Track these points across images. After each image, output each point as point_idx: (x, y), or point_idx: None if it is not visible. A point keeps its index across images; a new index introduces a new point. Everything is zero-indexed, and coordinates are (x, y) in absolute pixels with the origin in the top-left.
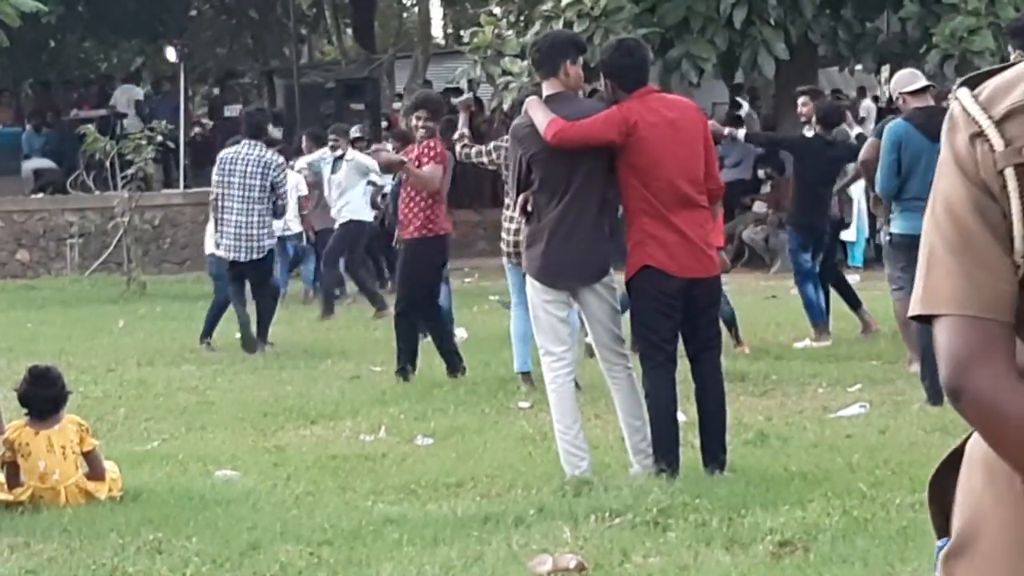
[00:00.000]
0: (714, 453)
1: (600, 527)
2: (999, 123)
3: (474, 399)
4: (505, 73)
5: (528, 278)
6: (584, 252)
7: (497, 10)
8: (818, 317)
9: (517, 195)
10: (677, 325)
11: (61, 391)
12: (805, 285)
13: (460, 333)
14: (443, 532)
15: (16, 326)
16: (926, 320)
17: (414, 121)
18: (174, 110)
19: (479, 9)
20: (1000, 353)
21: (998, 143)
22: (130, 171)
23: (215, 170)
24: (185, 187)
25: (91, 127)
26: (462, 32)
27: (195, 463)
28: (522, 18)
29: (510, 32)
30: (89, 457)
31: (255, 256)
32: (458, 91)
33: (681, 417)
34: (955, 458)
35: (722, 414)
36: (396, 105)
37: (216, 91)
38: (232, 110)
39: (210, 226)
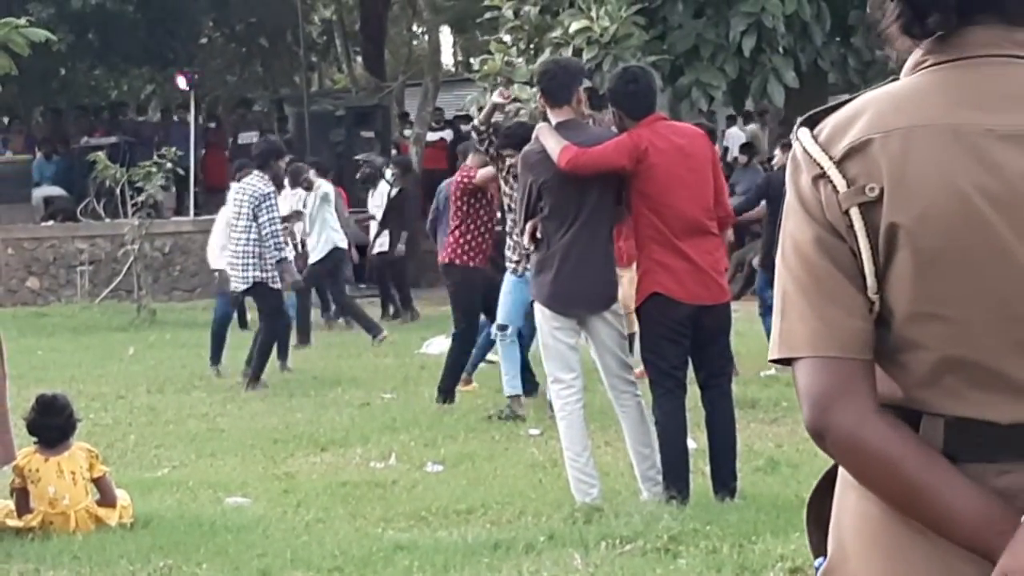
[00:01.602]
0: (724, 480)
1: (611, 554)
2: (839, 163)
3: (484, 426)
4: (515, 100)
5: (537, 305)
6: (593, 280)
7: (507, 38)
8: None
9: (526, 222)
10: (686, 351)
11: (69, 420)
12: (767, 318)
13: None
14: (453, 559)
15: (26, 353)
16: (786, 363)
17: None
18: (185, 138)
19: (488, 36)
20: (859, 391)
21: (840, 184)
22: (140, 198)
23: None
24: (196, 214)
25: (101, 154)
26: (472, 59)
27: (205, 490)
28: (531, 46)
29: (520, 59)
30: (100, 484)
31: (240, 286)
32: (467, 118)
33: (691, 444)
34: (832, 477)
35: (732, 441)
36: (407, 132)
37: (211, 123)
38: (245, 137)
39: (212, 240)
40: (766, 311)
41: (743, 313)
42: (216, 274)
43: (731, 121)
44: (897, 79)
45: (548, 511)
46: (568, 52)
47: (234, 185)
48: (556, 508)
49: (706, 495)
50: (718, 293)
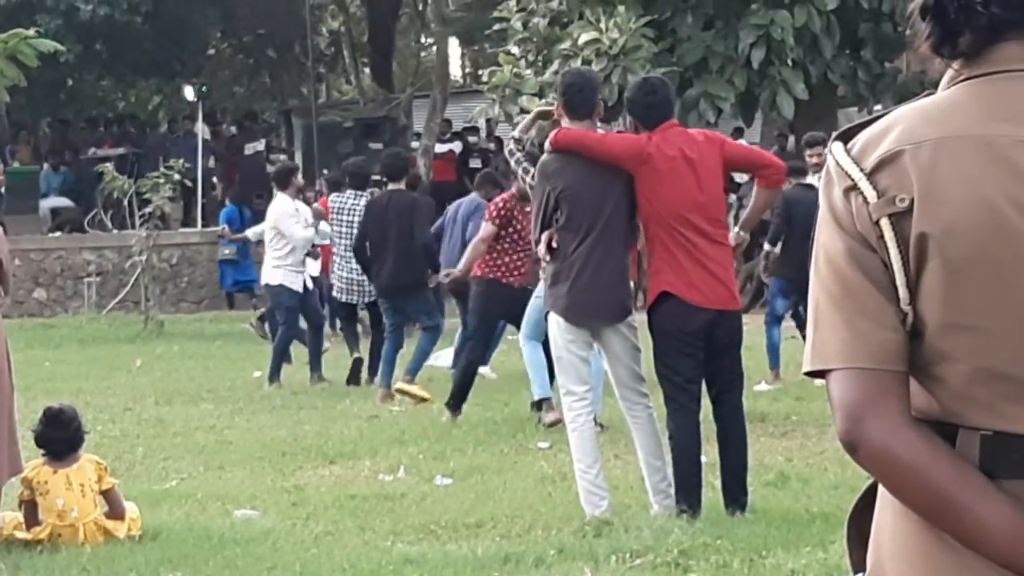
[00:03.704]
0: (735, 495)
1: (621, 568)
2: (870, 175)
3: (493, 439)
4: (523, 112)
5: (551, 316)
6: (609, 291)
7: (515, 49)
8: (775, 362)
9: (541, 232)
10: (700, 364)
11: (77, 432)
12: (772, 328)
13: (487, 373)
14: (463, 572)
15: (34, 365)
16: (820, 375)
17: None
18: (193, 149)
19: (497, 48)
20: (891, 403)
21: (871, 195)
22: (148, 210)
23: (332, 215)
24: (203, 226)
25: (109, 166)
26: (480, 71)
27: (214, 502)
28: (540, 57)
29: (528, 71)
30: (108, 496)
31: (368, 299)
32: (475, 130)
33: (702, 458)
34: (872, 492)
35: (744, 456)
36: (414, 144)
37: (233, 129)
38: (251, 148)
39: (268, 258)
40: (772, 321)
41: (752, 327)
42: (287, 287)
43: (738, 133)
44: (907, 92)
45: (558, 525)
46: (577, 64)
47: (341, 202)
48: (566, 522)
49: (716, 509)
50: (726, 298)
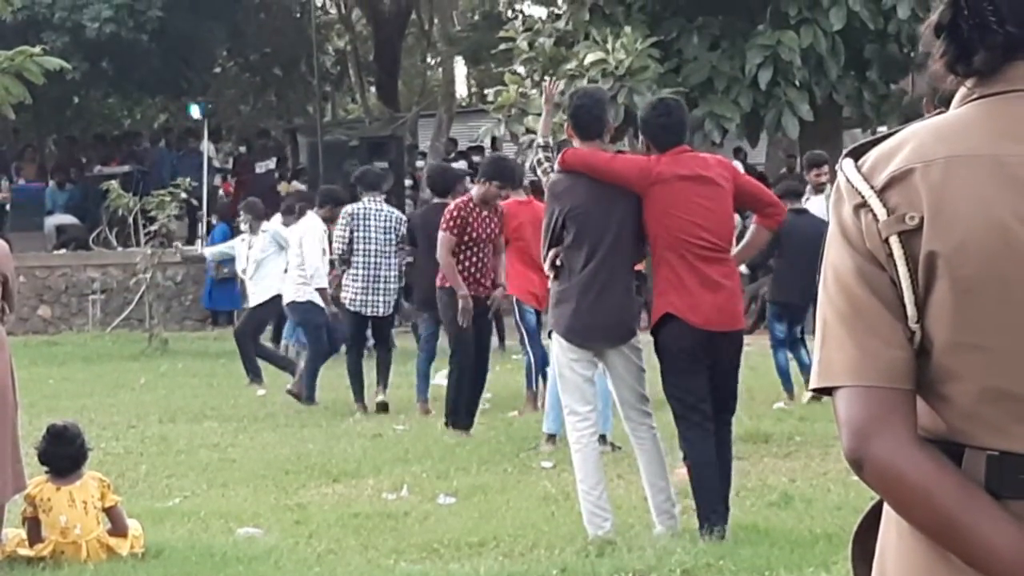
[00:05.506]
0: (714, 520)
1: None
2: (881, 192)
3: (496, 458)
4: (529, 131)
5: (554, 336)
6: (614, 313)
7: (521, 69)
8: (788, 385)
9: (548, 250)
10: (707, 381)
11: (80, 449)
12: (776, 352)
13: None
14: None
15: (38, 382)
16: (827, 392)
17: (489, 188)
18: (198, 167)
19: (503, 68)
20: (898, 421)
21: (881, 212)
22: (153, 227)
23: (344, 224)
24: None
25: (115, 183)
26: (486, 91)
27: (217, 520)
28: (546, 77)
29: (534, 91)
30: (111, 513)
31: (391, 310)
32: (481, 149)
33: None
34: (877, 512)
35: (728, 481)
36: (420, 164)
37: (243, 148)
38: (262, 167)
39: (290, 273)
40: (776, 345)
41: (756, 347)
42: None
43: (737, 153)
44: (912, 113)
45: (561, 544)
46: (583, 83)
47: (362, 208)
48: (569, 541)
49: None
50: (731, 320)
